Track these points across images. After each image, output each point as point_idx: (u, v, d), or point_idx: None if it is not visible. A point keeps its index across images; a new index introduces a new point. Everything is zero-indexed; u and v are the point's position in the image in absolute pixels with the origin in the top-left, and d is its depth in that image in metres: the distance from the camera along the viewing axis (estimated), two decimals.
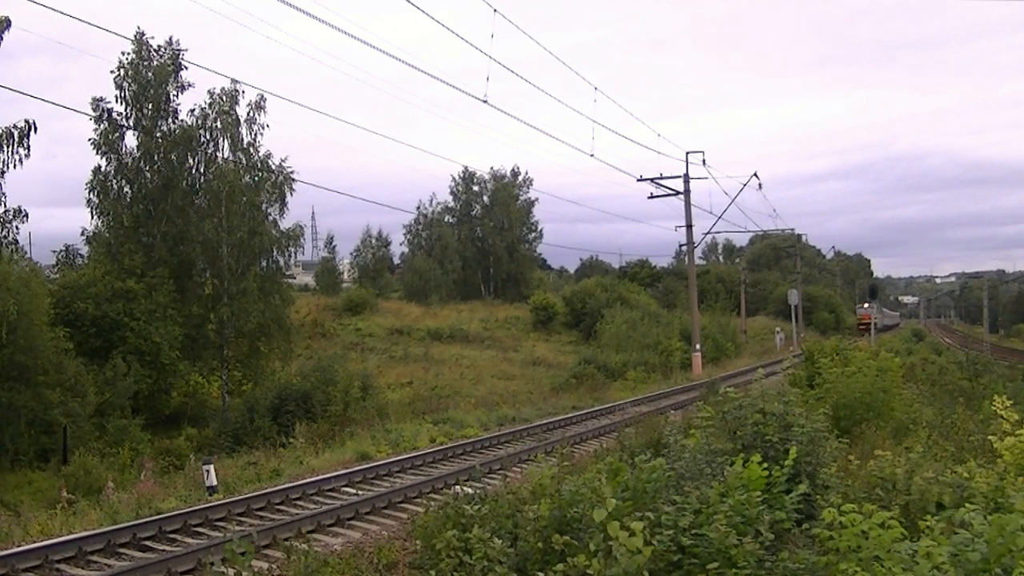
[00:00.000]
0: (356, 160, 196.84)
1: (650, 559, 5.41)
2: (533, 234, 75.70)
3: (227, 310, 32.45)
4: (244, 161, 34.11)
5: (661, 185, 40.45)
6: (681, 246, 49.04)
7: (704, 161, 51.79)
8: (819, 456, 8.08)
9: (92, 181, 32.44)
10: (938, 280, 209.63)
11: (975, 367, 37.38)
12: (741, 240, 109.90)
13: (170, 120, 33.38)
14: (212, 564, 8.99)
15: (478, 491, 6.99)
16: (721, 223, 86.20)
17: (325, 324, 50.34)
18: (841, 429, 11.72)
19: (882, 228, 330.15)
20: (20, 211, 26.38)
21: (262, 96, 34.23)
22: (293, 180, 34.71)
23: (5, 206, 25.92)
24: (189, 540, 11.16)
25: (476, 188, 73.89)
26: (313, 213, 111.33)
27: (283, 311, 34.95)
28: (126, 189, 33.05)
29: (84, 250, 33.58)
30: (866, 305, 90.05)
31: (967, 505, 5.94)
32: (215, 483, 14.10)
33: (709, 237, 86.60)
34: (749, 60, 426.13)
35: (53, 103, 69.78)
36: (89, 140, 32.29)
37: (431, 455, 17.26)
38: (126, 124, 32.79)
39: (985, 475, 7.70)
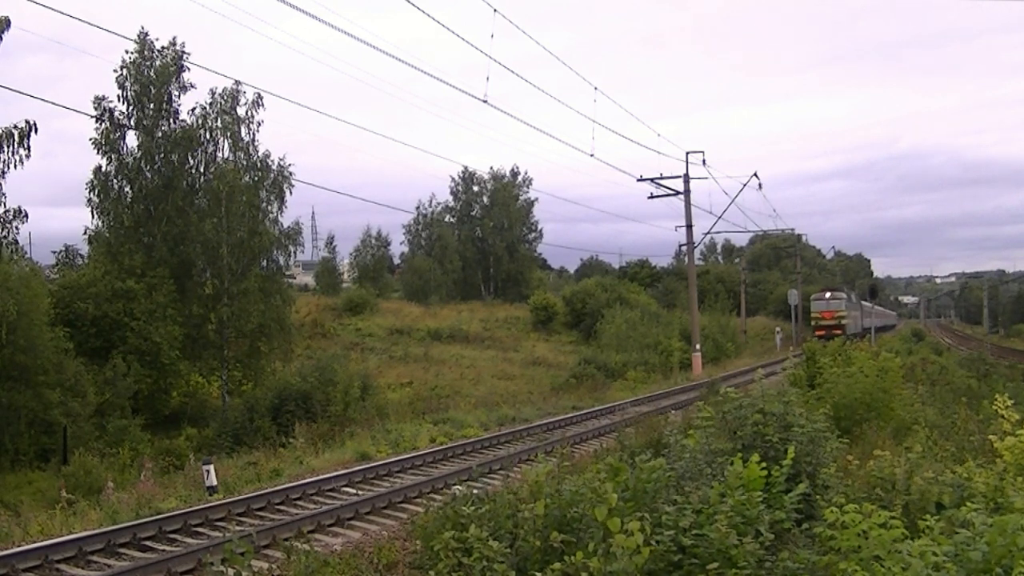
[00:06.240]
0: (356, 160, 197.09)
1: (651, 559, 5.41)
2: (533, 234, 75.85)
3: (227, 310, 32.45)
4: (244, 161, 34.15)
5: (661, 185, 40.49)
6: (681, 246, 49.09)
7: (704, 161, 51.86)
8: (819, 456, 8.08)
9: (93, 181, 32.48)
10: (938, 280, 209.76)
11: (985, 366, 36.96)
12: (741, 240, 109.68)
13: (171, 120, 33.45)
14: (212, 564, 8.98)
15: (477, 491, 6.98)
16: (721, 223, 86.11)
17: (325, 324, 50.36)
18: (841, 429, 11.72)
19: (882, 228, 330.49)
20: (20, 211, 26.35)
21: (259, 95, 34.33)
22: (292, 175, 34.82)
23: (5, 206, 25.91)
24: (189, 540, 11.15)
25: (476, 188, 73.98)
26: (313, 213, 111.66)
27: (283, 311, 34.95)
28: (127, 189, 33.09)
29: (85, 250, 33.70)
30: (828, 295, 59.10)
31: (968, 505, 5.94)
32: (215, 483, 14.09)
33: (709, 237, 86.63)
34: (750, 59, 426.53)
35: (53, 103, 69.67)
36: (90, 139, 32.41)
37: (431, 455, 17.25)
38: (127, 124, 32.81)
39: (985, 475, 7.69)
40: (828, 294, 59.31)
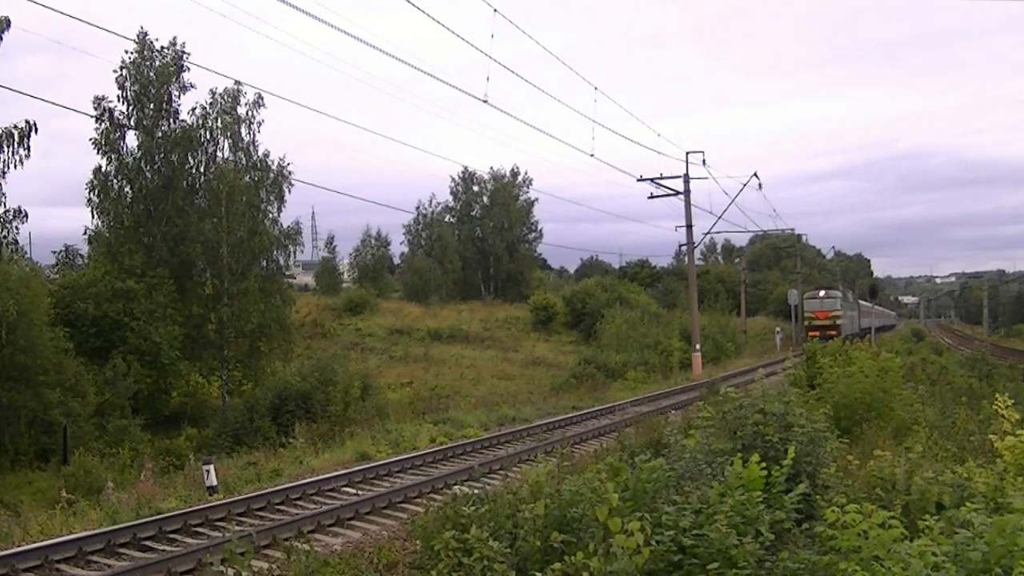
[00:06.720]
0: (356, 160, 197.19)
1: (651, 559, 5.41)
2: (533, 234, 75.91)
3: (227, 310, 32.46)
4: (244, 161, 34.17)
5: (661, 185, 40.48)
6: (681, 246, 49.09)
7: (704, 161, 51.72)
8: (819, 456, 8.08)
9: (93, 181, 32.47)
10: (938, 280, 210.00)
11: (986, 366, 36.79)
12: (741, 240, 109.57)
13: (171, 120, 33.46)
14: (212, 564, 8.98)
15: (477, 491, 6.98)
16: (721, 223, 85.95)
17: (325, 324, 50.37)
18: (841, 429, 11.72)
19: (882, 228, 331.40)
20: (20, 211, 26.31)
21: (259, 95, 34.35)
22: (291, 175, 34.86)
23: (5, 206, 25.89)
24: (189, 540, 11.15)
25: (476, 188, 74.01)
26: (313, 213, 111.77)
27: (283, 311, 34.95)
28: (127, 189, 33.09)
29: (85, 250, 33.71)
30: (822, 293, 55.94)
31: (968, 505, 5.94)
32: (215, 483, 14.09)
33: (709, 237, 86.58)
34: (750, 59, 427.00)
35: (53, 103, 69.71)
36: (90, 139, 32.39)
37: (431, 455, 17.25)
38: (127, 124, 32.81)
39: (985, 475, 7.70)
40: (822, 292, 56.29)
